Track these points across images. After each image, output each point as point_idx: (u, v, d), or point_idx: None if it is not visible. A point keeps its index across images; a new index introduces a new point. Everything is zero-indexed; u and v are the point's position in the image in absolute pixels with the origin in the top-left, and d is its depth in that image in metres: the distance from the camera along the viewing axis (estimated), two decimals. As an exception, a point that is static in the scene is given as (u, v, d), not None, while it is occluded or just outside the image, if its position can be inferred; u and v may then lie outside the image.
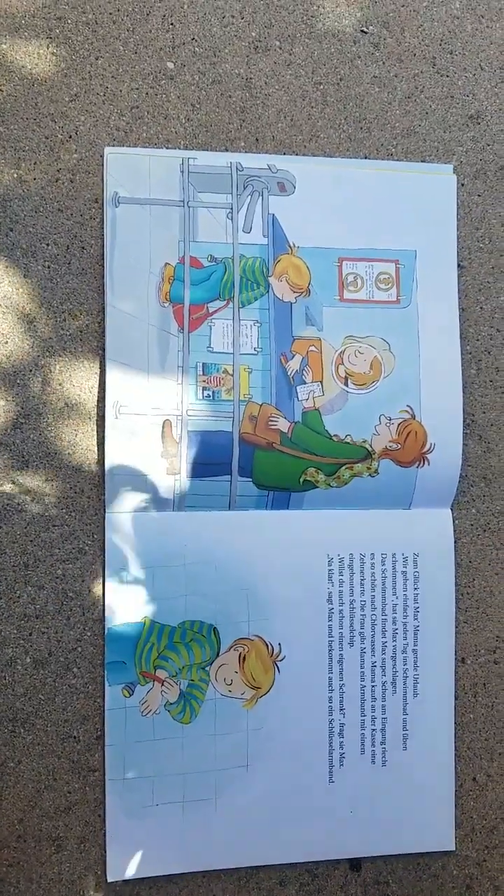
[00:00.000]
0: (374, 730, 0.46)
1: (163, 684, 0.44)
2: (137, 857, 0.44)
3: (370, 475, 0.46)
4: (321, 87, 0.46)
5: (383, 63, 0.47)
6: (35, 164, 0.44)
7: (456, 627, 0.47)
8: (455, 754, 0.47)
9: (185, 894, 0.45)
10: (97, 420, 0.45)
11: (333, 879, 0.46)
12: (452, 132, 0.47)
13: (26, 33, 0.44)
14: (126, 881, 0.44)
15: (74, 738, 0.44)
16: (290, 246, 0.45)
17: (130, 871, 0.44)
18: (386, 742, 0.46)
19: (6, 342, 0.44)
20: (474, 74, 0.47)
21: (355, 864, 0.46)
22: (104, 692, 0.44)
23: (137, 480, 0.44)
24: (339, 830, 0.45)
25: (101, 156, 0.44)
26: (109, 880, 0.44)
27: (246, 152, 0.45)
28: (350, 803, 0.45)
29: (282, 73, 0.46)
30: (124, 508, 0.44)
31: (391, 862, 0.47)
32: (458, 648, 0.47)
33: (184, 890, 0.45)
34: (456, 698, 0.47)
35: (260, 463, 0.45)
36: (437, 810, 0.46)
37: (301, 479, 0.45)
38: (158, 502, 0.44)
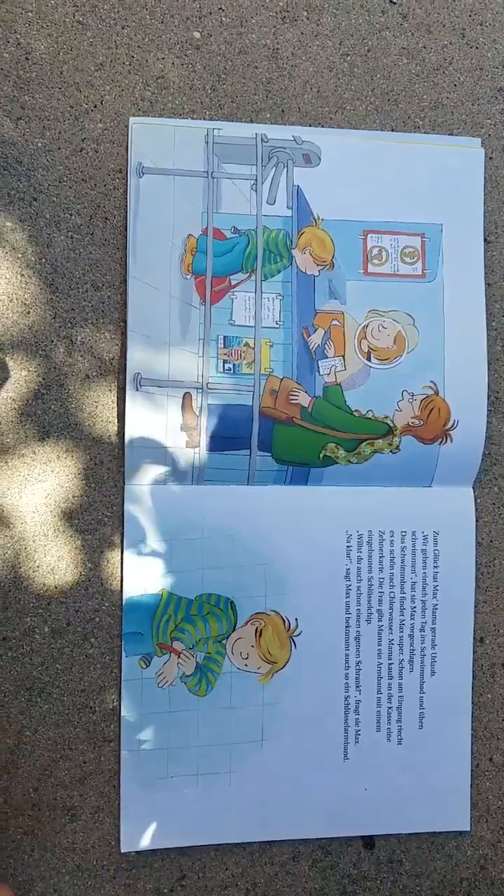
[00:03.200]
0: (390, 707, 0.46)
1: (179, 656, 0.44)
2: (151, 828, 0.44)
3: (391, 452, 0.45)
4: (348, 58, 0.46)
5: (412, 34, 0.46)
6: (60, 133, 0.44)
7: (475, 606, 0.46)
8: (472, 734, 0.46)
9: (197, 867, 0.45)
10: (118, 392, 0.44)
11: (346, 856, 0.46)
12: (481, 105, 0.46)
13: (52, 2, 0.44)
14: (139, 852, 0.44)
15: (90, 708, 0.44)
16: (314, 218, 0.45)
17: (144, 843, 0.44)
18: (402, 720, 0.46)
19: (28, 312, 0.44)
20: (505, 46, 0.47)
21: (369, 841, 0.46)
22: (121, 663, 0.44)
23: (157, 453, 0.44)
24: (353, 807, 0.45)
25: (126, 126, 0.44)
26: (123, 851, 0.44)
27: (271, 123, 0.45)
28: (364, 780, 0.45)
29: (309, 43, 0.45)
30: (143, 481, 0.44)
31: (405, 841, 0.46)
32: (476, 628, 0.47)
33: (196, 863, 0.45)
34: (474, 678, 0.47)
35: (280, 437, 0.45)
36: (452, 790, 0.46)
37: (321, 455, 0.45)
38: (177, 475, 0.44)
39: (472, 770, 0.46)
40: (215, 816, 0.44)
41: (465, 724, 0.46)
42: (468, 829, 0.46)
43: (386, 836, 0.46)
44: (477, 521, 0.46)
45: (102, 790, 0.44)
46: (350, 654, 0.45)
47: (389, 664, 0.46)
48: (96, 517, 0.44)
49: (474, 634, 0.46)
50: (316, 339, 0.45)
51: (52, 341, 0.44)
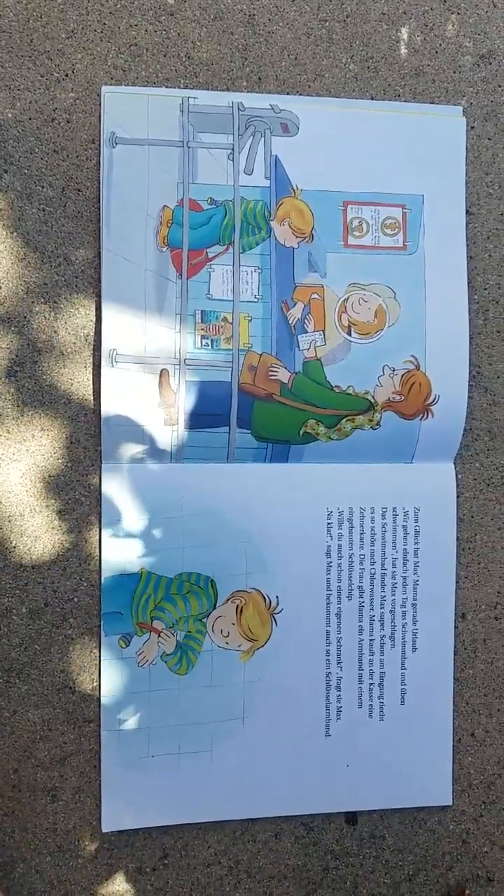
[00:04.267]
0: (371, 684, 0.45)
1: (159, 635, 0.44)
2: (132, 808, 0.44)
3: (372, 427, 0.45)
4: (327, 24, 0.45)
5: (392, -1, 0.45)
6: (30, 103, 0.43)
7: (457, 583, 0.46)
8: (454, 709, 0.46)
9: (179, 846, 0.45)
10: (93, 369, 0.44)
11: (329, 833, 0.46)
12: (462, 72, 0.45)
13: (21, -34, 0.43)
14: (121, 832, 0.44)
15: (70, 688, 0.44)
16: (293, 189, 0.44)
17: (125, 822, 0.44)
18: (384, 696, 0.45)
19: (0, 287, 0.43)
20: (486, 12, 0.45)
21: (351, 817, 0.46)
22: (100, 643, 0.44)
23: (134, 431, 0.43)
24: (336, 784, 0.45)
25: (99, 95, 0.43)
26: (104, 831, 0.44)
27: (248, 92, 0.44)
28: (346, 757, 0.45)
29: (286, 9, 0.44)
30: (121, 459, 0.43)
31: (387, 816, 0.47)
32: (458, 604, 0.46)
33: (178, 841, 0.45)
34: (456, 654, 0.46)
35: (259, 414, 0.44)
36: (434, 765, 0.46)
37: (301, 432, 0.44)
38: (156, 453, 0.44)
39: (453, 745, 0.46)
40: (197, 795, 0.44)
41: (446, 699, 0.46)
42: (450, 803, 0.46)
43: (368, 811, 0.46)
44: (458, 496, 0.46)
45: (83, 770, 0.44)
46: (331, 631, 0.45)
47: (371, 640, 0.45)
48: (73, 496, 0.44)
49: (455, 610, 0.46)
50: (295, 314, 0.44)
51: (25, 317, 0.43)
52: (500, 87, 0.46)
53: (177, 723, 0.44)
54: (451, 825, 0.47)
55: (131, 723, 0.44)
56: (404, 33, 0.45)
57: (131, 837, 0.44)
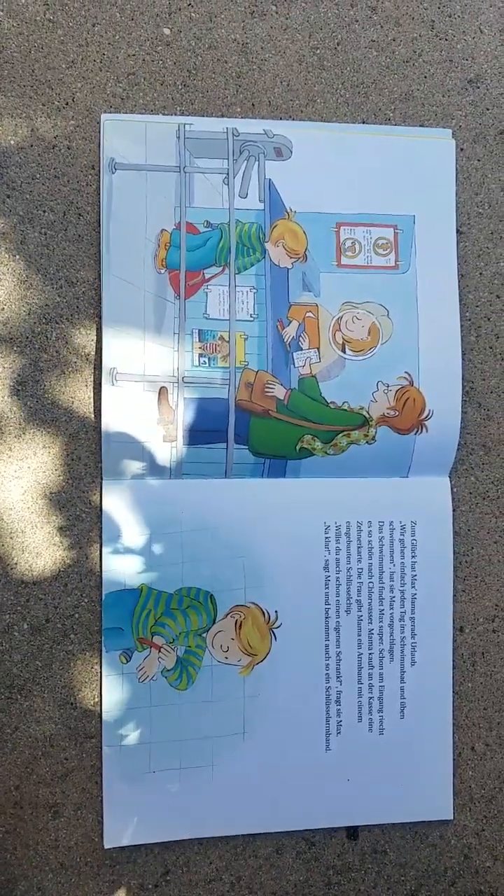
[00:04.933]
0: (371, 698, 0.46)
1: (160, 651, 0.44)
2: (134, 823, 0.44)
3: (367, 443, 0.45)
4: (318, 51, 0.46)
5: (381, 27, 0.46)
6: (32, 130, 0.44)
7: (454, 596, 0.47)
8: (454, 723, 0.46)
9: (181, 861, 0.45)
10: (94, 387, 0.45)
11: (331, 847, 0.46)
12: (451, 96, 0.47)
13: (23, 1, 0.44)
14: (122, 848, 0.44)
15: (71, 704, 0.44)
16: (286, 211, 0.45)
17: (127, 838, 0.44)
18: (383, 710, 0.46)
19: (3, 309, 0.44)
20: (473, 38, 0.47)
21: (353, 832, 0.46)
22: (101, 658, 0.44)
23: (134, 448, 0.44)
24: (337, 798, 0.45)
25: (98, 122, 0.44)
26: (106, 847, 0.44)
27: (242, 118, 0.45)
28: (347, 771, 0.45)
29: (278, 37, 0.46)
30: (121, 476, 0.44)
31: (389, 831, 0.46)
32: (456, 617, 0.47)
33: (180, 857, 0.45)
34: (454, 667, 0.47)
35: (256, 430, 0.45)
36: (435, 779, 0.46)
37: (297, 447, 0.45)
38: (155, 470, 0.44)
39: (454, 759, 0.46)
40: (198, 810, 0.44)
41: (446, 713, 0.46)
42: (451, 818, 0.46)
43: (370, 826, 0.46)
44: (454, 510, 0.47)
45: (85, 786, 0.44)
46: (330, 645, 0.45)
47: (370, 654, 0.46)
48: (74, 513, 0.44)
49: (454, 624, 0.47)
50: (290, 332, 0.45)
51: (27, 338, 0.44)
52: (488, 110, 0.47)
53: (177, 738, 0.44)
54: (453, 840, 0.47)
55: (132, 738, 0.44)
56: (393, 59, 0.46)
57: (133, 853, 0.45)
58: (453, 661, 0.46)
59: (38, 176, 0.44)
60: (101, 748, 0.44)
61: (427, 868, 0.47)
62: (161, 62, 0.45)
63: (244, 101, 0.45)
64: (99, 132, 0.44)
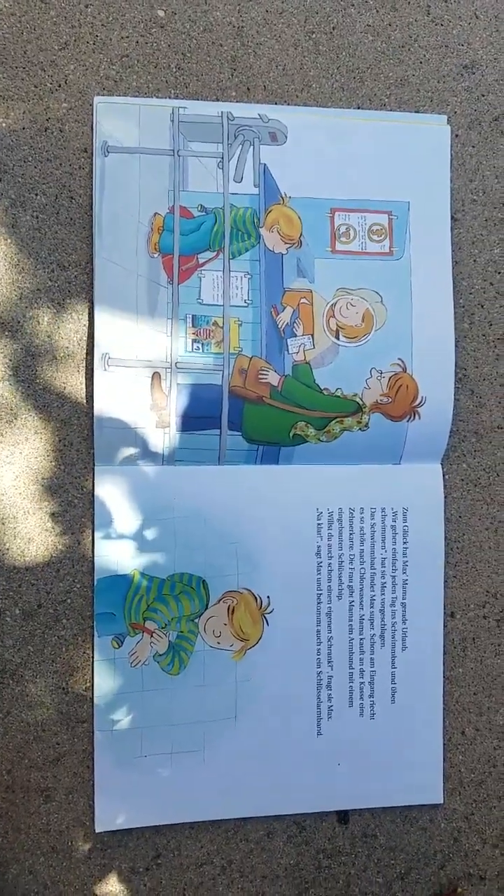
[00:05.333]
0: (362, 682, 0.46)
1: (152, 636, 0.44)
2: (126, 807, 0.44)
3: (360, 429, 0.45)
4: (314, 35, 0.46)
5: (377, 11, 0.46)
6: (24, 113, 0.44)
7: (445, 582, 0.47)
8: (444, 708, 0.47)
9: (172, 845, 0.45)
10: (86, 373, 0.44)
11: (321, 832, 0.46)
12: (446, 82, 0.46)
13: (15, -20, 0.44)
14: (114, 832, 0.44)
15: (63, 689, 0.44)
16: (281, 196, 0.45)
17: (118, 822, 0.44)
18: (374, 695, 0.46)
19: (-5, 293, 0.44)
20: (469, 23, 0.47)
21: (343, 816, 0.46)
22: (93, 643, 0.44)
23: (127, 434, 0.44)
24: (327, 783, 0.45)
25: (91, 105, 0.44)
26: (97, 831, 0.44)
27: (237, 102, 0.45)
28: (338, 756, 0.45)
29: (274, 21, 0.45)
30: (114, 462, 0.44)
31: (379, 815, 0.47)
32: (447, 603, 0.47)
33: (171, 841, 0.45)
34: (445, 652, 0.47)
35: (249, 417, 0.45)
36: (425, 763, 0.46)
37: (291, 434, 0.45)
38: (148, 456, 0.44)
39: (444, 744, 0.47)
40: (189, 794, 0.44)
41: (436, 698, 0.46)
42: (441, 801, 0.47)
43: (360, 810, 0.46)
44: (445, 497, 0.47)
45: (76, 771, 0.44)
46: (322, 630, 0.45)
47: (361, 639, 0.46)
48: (66, 499, 0.44)
49: (445, 609, 0.47)
50: (285, 318, 0.45)
51: (19, 322, 0.44)
52: (483, 96, 0.47)
53: (169, 723, 0.44)
54: (443, 823, 0.47)
55: (124, 723, 0.44)
56: (389, 44, 0.46)
57: (124, 837, 0.45)
58: (444, 646, 0.47)
59: (30, 159, 0.44)
60: (92, 733, 0.44)
61: (417, 851, 0.47)
62: (155, 44, 0.45)
63: (239, 85, 0.45)
64: (92, 115, 0.44)
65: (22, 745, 0.44)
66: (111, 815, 0.44)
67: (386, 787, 0.46)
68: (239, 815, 0.45)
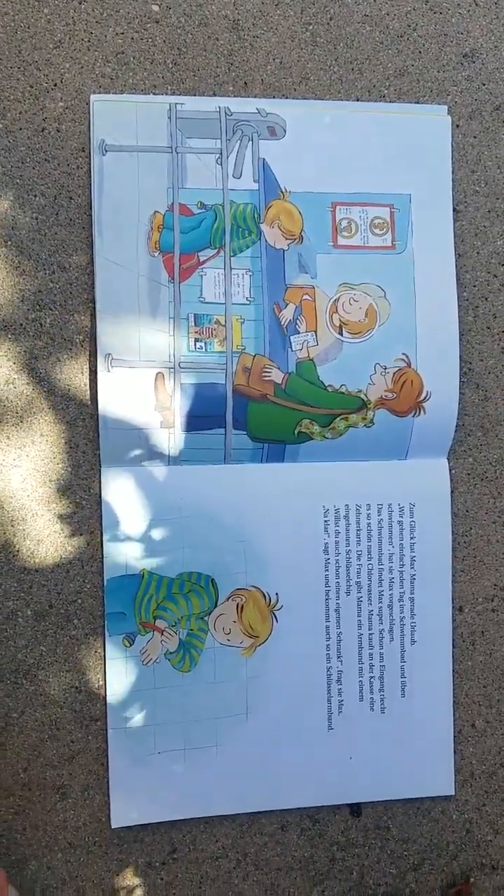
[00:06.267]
0: (372, 677, 0.46)
1: (162, 634, 0.45)
2: (140, 803, 0.45)
3: (365, 426, 0.45)
4: (310, 27, 0.45)
5: (374, 1, 0.45)
6: (20, 113, 0.43)
7: (453, 576, 0.47)
8: (454, 701, 0.47)
9: (187, 840, 0.46)
10: (90, 374, 0.44)
11: (334, 824, 0.47)
12: (446, 72, 0.46)
13: (8, -22, 0.43)
14: (130, 828, 0.45)
15: (76, 688, 0.45)
16: (281, 191, 0.44)
17: (134, 818, 0.45)
18: (384, 689, 0.46)
19: (-3, 297, 0.44)
20: (468, 11, 0.46)
21: (356, 809, 0.47)
22: (105, 643, 0.44)
23: (132, 434, 0.44)
24: (339, 776, 0.46)
25: (87, 103, 0.43)
26: (113, 827, 0.45)
27: (234, 96, 0.44)
28: (349, 749, 0.46)
29: (270, 13, 0.45)
30: (120, 463, 0.44)
31: (391, 807, 0.47)
32: (455, 597, 0.47)
33: (186, 836, 0.46)
34: (454, 646, 0.47)
35: (254, 415, 0.45)
36: (436, 756, 0.47)
37: (296, 431, 0.45)
38: (154, 456, 0.44)
39: (454, 736, 0.47)
40: (203, 789, 0.45)
41: (446, 691, 0.47)
42: (453, 793, 0.47)
43: (372, 803, 0.47)
44: (452, 491, 0.47)
45: (91, 768, 0.45)
46: (331, 626, 0.46)
47: (370, 634, 0.46)
48: (74, 500, 0.45)
49: (453, 603, 0.47)
50: (287, 315, 0.45)
51: (21, 324, 0.44)
52: (483, 85, 0.46)
53: (182, 719, 0.45)
54: (455, 815, 0.48)
55: (137, 720, 0.44)
56: (387, 34, 0.45)
57: (140, 833, 0.45)
58: (453, 640, 0.47)
59: (27, 159, 0.43)
60: (106, 730, 0.44)
61: (429, 843, 0.48)
62: (150, 40, 0.44)
63: (236, 80, 0.45)
64: (89, 113, 0.43)
65: (37, 744, 0.45)
66: (126, 811, 0.44)
67: (398, 779, 0.46)
68: (252, 809, 0.46)
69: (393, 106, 0.45)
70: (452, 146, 0.46)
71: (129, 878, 0.45)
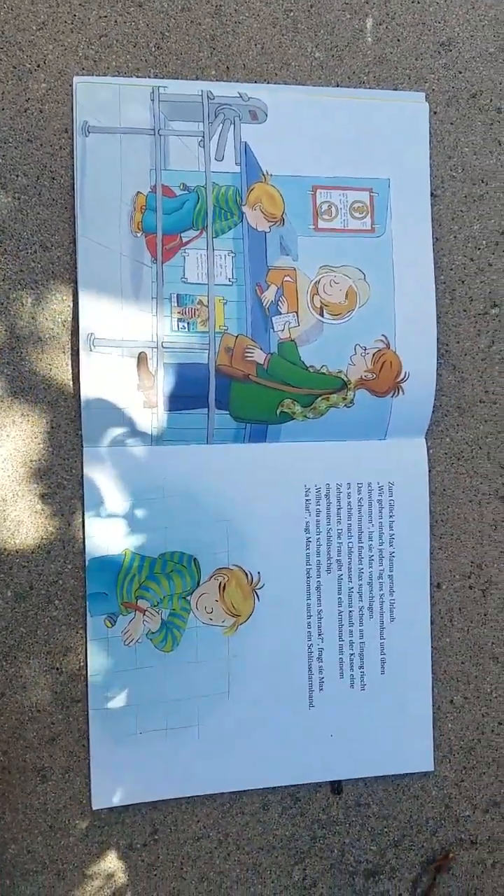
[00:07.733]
0: (352, 654, 0.47)
1: (144, 614, 0.45)
2: (122, 785, 0.44)
3: (346, 406, 0.46)
4: (292, 13, 0.46)
5: (354, -10, 0.46)
6: (2, 94, 0.43)
7: (431, 553, 0.48)
8: (433, 677, 0.48)
9: (169, 820, 0.46)
10: (72, 354, 0.44)
11: (315, 802, 0.47)
12: (424, 59, 0.47)
13: (-10, -41, 0.43)
14: (111, 809, 0.45)
15: (57, 669, 0.44)
16: (263, 174, 0.45)
17: (115, 799, 0.44)
18: (364, 666, 0.47)
19: (-22, 276, 0.43)
20: (445, 0, 0.47)
21: (336, 786, 0.47)
22: (86, 623, 0.44)
23: (114, 414, 0.44)
24: (320, 754, 0.46)
25: (70, 85, 0.44)
26: (94, 808, 0.44)
27: (217, 80, 0.45)
28: (330, 727, 0.46)
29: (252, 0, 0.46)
30: (102, 443, 0.44)
31: (372, 784, 0.48)
32: (433, 574, 0.48)
33: (168, 816, 0.46)
34: (432, 623, 0.48)
35: (236, 395, 0.45)
36: (415, 732, 0.47)
37: (278, 411, 0.45)
38: (136, 436, 0.44)
39: (433, 712, 0.48)
40: (185, 769, 0.45)
41: (425, 668, 0.47)
42: (432, 769, 0.48)
43: (353, 780, 0.47)
44: (430, 470, 0.48)
45: (72, 750, 0.45)
46: (311, 604, 0.46)
47: (350, 612, 0.47)
48: (56, 480, 0.44)
49: (431, 580, 0.48)
50: (269, 296, 0.45)
51: (3, 304, 0.44)
52: (460, 73, 0.47)
53: (163, 699, 0.45)
54: (434, 791, 0.48)
55: (118, 701, 0.44)
56: (367, 22, 0.46)
57: (121, 814, 0.45)
58: (431, 616, 0.48)
59: (10, 140, 0.43)
60: (87, 711, 0.44)
61: (409, 819, 0.48)
62: (134, 24, 0.44)
63: (218, 64, 0.45)
64: (71, 95, 0.43)
65: (17, 726, 0.44)
66: (107, 792, 0.44)
67: (378, 756, 0.47)
68: (234, 788, 0.46)
69: (372, 92, 0.46)
70: (430, 132, 0.47)
71: (111, 861, 0.45)
